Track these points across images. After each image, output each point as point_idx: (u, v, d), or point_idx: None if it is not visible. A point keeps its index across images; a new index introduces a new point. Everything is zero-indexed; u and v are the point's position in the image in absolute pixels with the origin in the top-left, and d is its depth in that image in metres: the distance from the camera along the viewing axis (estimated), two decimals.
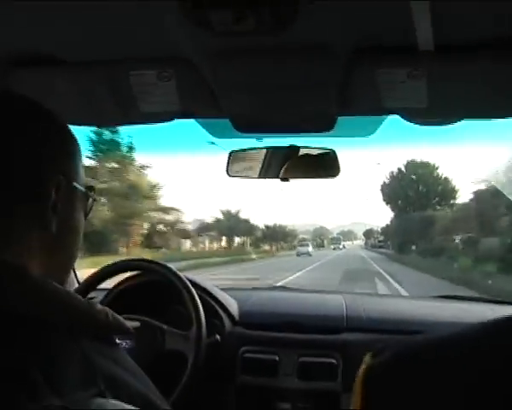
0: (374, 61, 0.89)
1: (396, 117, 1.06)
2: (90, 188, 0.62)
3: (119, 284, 1.52)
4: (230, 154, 1.34)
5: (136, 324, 1.24)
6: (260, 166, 1.33)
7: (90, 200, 0.62)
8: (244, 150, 1.34)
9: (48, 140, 0.55)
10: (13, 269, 0.48)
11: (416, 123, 1.07)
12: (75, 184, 0.58)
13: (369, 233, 70.43)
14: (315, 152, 1.28)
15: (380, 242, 48.01)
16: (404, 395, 0.46)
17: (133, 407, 0.45)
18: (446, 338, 0.51)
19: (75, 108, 1.07)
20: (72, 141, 0.59)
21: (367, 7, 0.74)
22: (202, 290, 1.45)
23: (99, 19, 0.80)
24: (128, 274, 1.52)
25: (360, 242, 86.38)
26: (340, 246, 61.30)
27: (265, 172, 1.33)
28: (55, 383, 0.41)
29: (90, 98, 1.04)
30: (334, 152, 1.25)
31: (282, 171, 1.31)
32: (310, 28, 0.79)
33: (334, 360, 1.40)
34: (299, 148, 1.28)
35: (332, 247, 62.65)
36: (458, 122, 1.07)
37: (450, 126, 1.08)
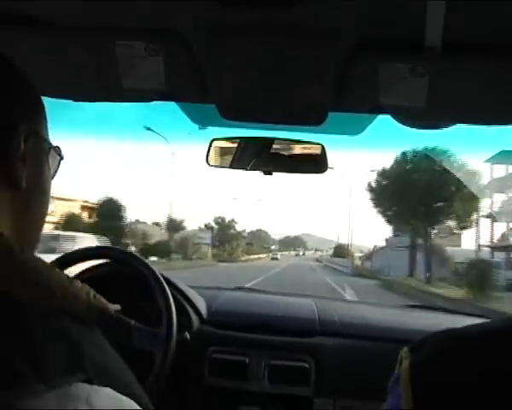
0: (377, 53, 0.85)
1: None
2: (58, 148, 0.58)
3: (85, 271, 1.40)
4: (212, 142, 1.26)
5: (118, 307, 1.15)
6: (243, 157, 1.26)
7: (58, 158, 0.59)
8: (226, 139, 1.27)
9: (16, 91, 0.52)
10: None
11: (407, 125, 1.05)
12: (44, 136, 0.55)
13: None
14: (302, 145, 1.23)
15: None
16: (453, 390, 0.45)
17: (129, 399, 0.41)
18: (486, 330, 0.50)
19: (49, 77, 0.97)
20: (39, 100, 0.57)
21: None
22: (172, 286, 1.36)
23: None
24: (96, 262, 1.41)
25: (312, 253, 71.81)
26: None
27: (248, 164, 1.26)
28: (41, 368, 0.38)
29: (68, 67, 0.94)
30: (323, 147, 1.20)
31: (266, 163, 1.25)
32: (316, 10, 0.74)
33: (306, 364, 1.35)
34: (285, 140, 1.22)
35: None
36: (450, 127, 1.06)
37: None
